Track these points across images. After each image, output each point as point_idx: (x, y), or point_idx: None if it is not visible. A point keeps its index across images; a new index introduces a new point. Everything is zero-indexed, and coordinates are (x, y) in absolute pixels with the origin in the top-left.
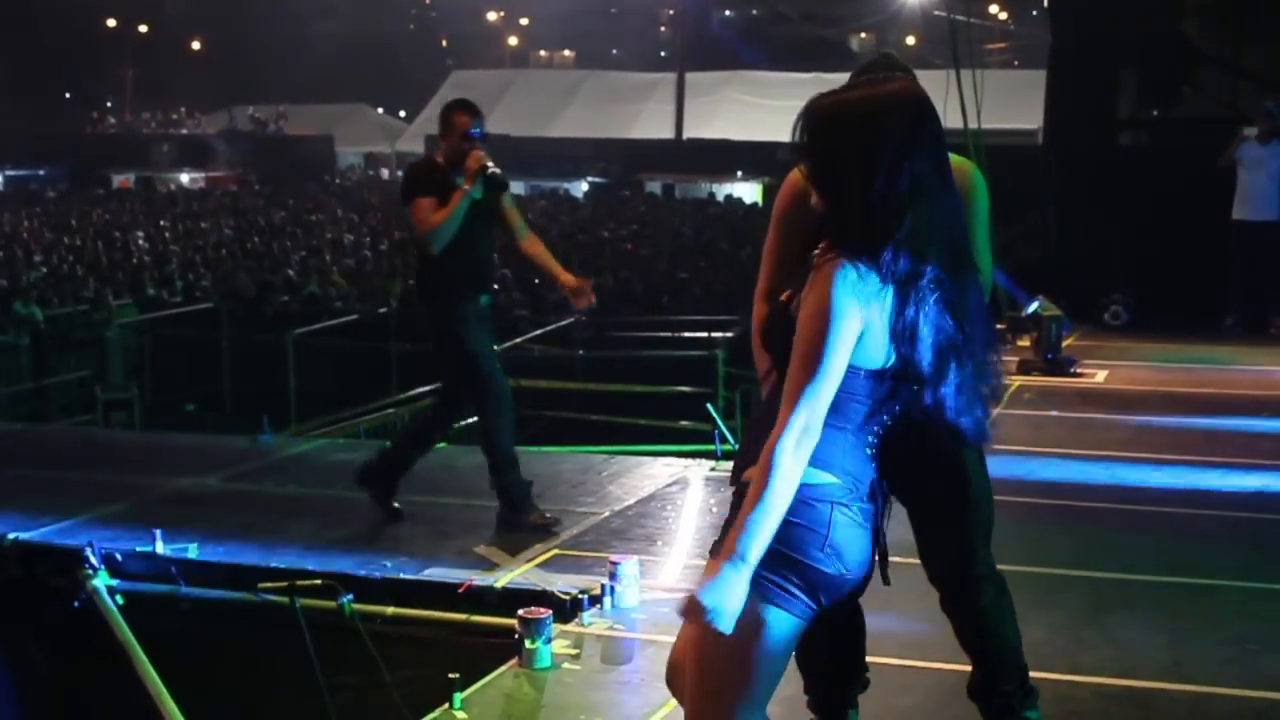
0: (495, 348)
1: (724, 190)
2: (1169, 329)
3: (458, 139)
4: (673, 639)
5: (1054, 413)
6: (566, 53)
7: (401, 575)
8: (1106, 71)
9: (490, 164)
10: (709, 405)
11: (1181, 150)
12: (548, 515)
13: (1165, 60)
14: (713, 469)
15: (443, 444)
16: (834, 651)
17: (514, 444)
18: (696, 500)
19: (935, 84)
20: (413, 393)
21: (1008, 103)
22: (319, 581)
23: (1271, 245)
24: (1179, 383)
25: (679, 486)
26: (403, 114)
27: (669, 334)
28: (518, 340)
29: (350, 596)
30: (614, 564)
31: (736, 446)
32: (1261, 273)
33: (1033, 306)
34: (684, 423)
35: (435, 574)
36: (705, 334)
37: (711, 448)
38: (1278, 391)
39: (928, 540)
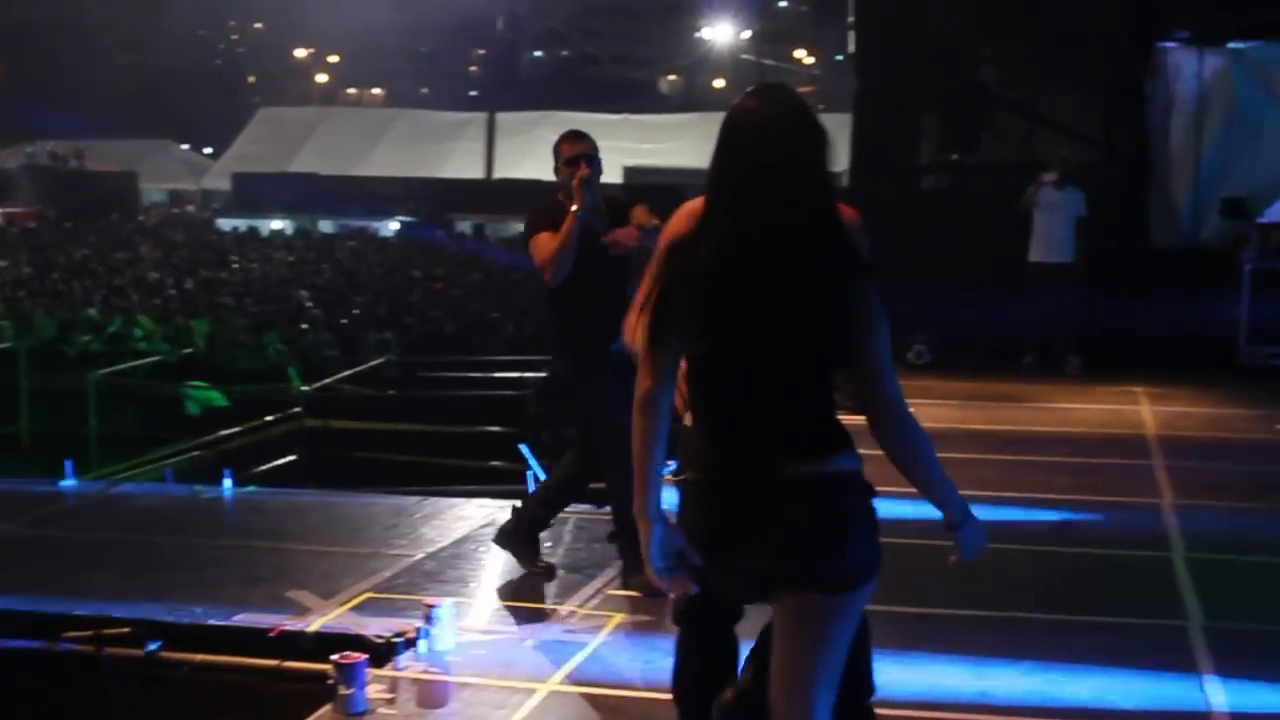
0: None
1: None
2: (970, 368)
3: (563, 167)
4: (488, 681)
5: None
6: (376, 91)
7: (211, 621)
8: (909, 116)
9: (588, 175)
10: (522, 445)
11: (981, 194)
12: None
13: (966, 107)
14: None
15: (251, 487)
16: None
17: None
18: None
19: None
20: (220, 434)
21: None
22: (126, 629)
23: (1066, 286)
24: (979, 420)
25: (493, 528)
26: (208, 150)
27: (480, 374)
28: (327, 381)
29: (158, 644)
30: (429, 607)
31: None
32: (1056, 313)
33: None
34: (495, 463)
35: (245, 619)
36: (516, 374)
37: (524, 488)
38: (1074, 428)
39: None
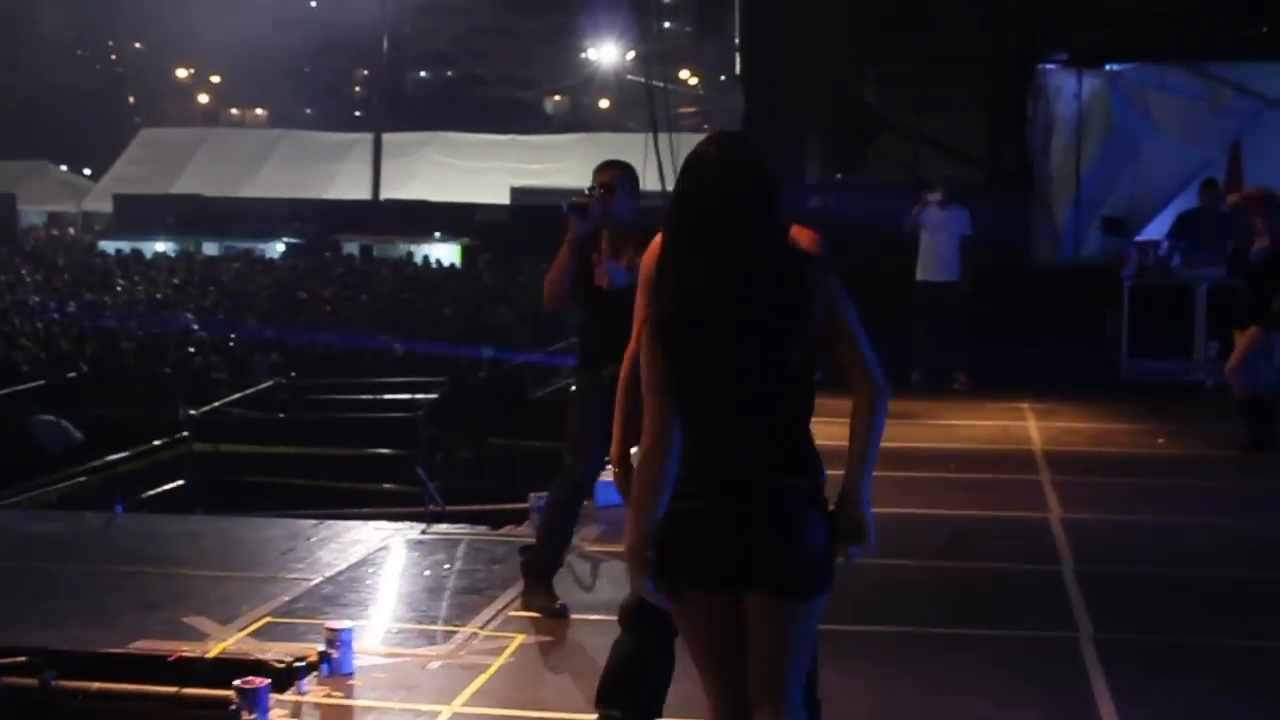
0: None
1: (422, 251)
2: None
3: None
4: (391, 705)
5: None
6: (259, 111)
7: (107, 649)
8: (795, 136)
9: (580, 202)
10: (418, 469)
11: (867, 213)
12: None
13: (851, 126)
14: (424, 531)
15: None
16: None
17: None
18: (408, 564)
19: (631, 147)
20: (109, 459)
21: None
22: (21, 659)
23: (952, 304)
24: None
25: (389, 551)
26: (88, 171)
27: (370, 396)
28: (215, 404)
29: (53, 673)
30: (330, 630)
31: (441, 507)
32: (943, 331)
33: None
34: (388, 486)
35: (143, 646)
36: (407, 395)
37: (420, 510)
38: (961, 444)
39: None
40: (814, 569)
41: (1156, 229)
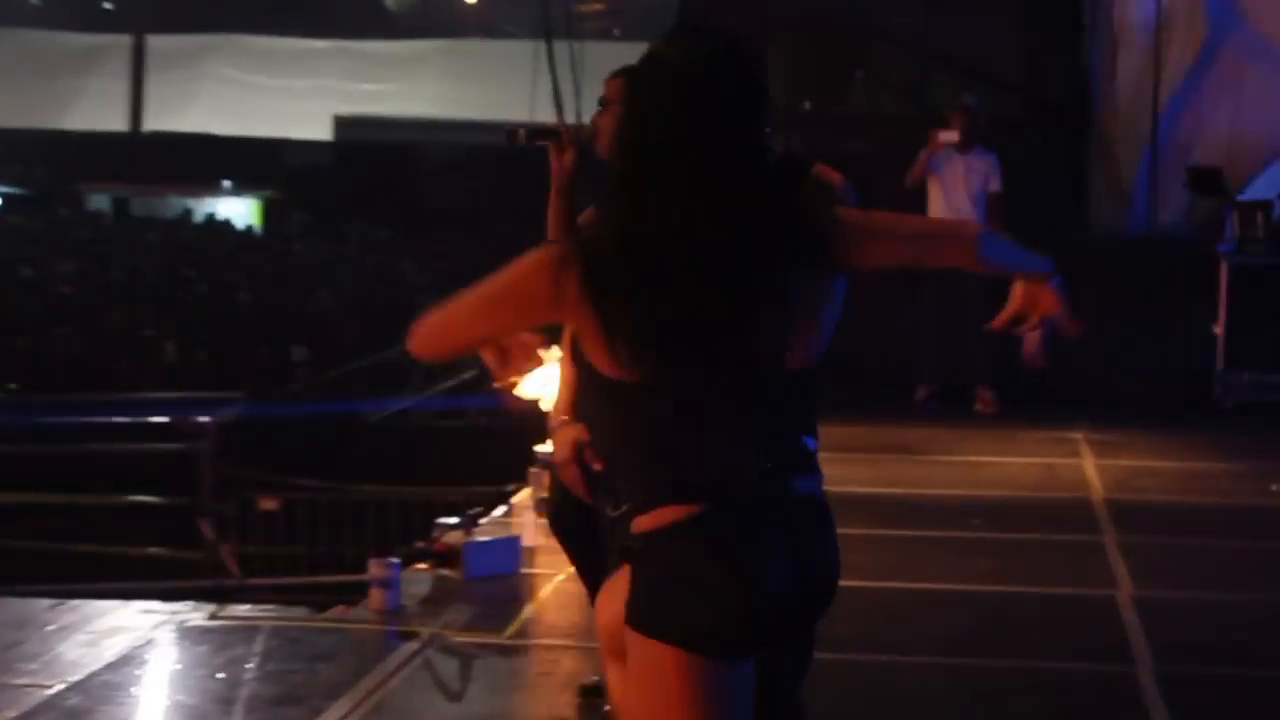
0: None
1: (205, 208)
2: (848, 407)
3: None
4: None
5: None
6: None
7: None
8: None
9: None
10: (202, 523)
11: (854, 159)
12: None
13: (830, 37)
14: (213, 616)
15: None
16: None
17: None
18: (189, 662)
19: (511, 60)
20: None
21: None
22: None
23: (973, 292)
24: (863, 481)
25: (161, 643)
26: None
27: (128, 419)
28: None
29: None
30: None
31: (238, 578)
32: (962, 330)
33: None
34: (156, 550)
35: None
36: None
37: (207, 584)
38: (988, 491)
39: None
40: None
41: (1267, 186)
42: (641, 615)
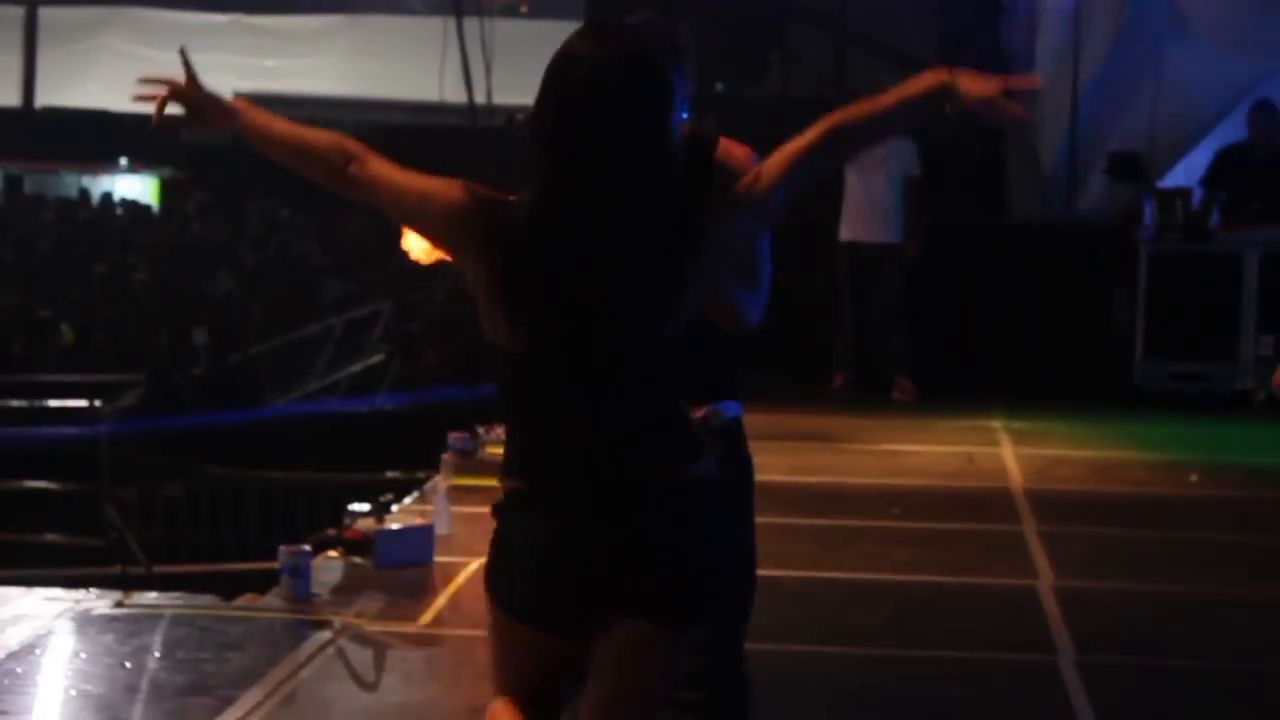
0: None
1: (101, 186)
2: (760, 393)
3: None
4: None
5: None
6: None
7: None
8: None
9: None
10: (109, 509)
11: (764, 142)
12: None
13: (742, 15)
14: (118, 604)
15: None
16: None
17: None
18: (94, 651)
19: (419, 38)
20: None
21: (522, 67)
22: None
23: (891, 278)
24: (778, 469)
25: (64, 632)
26: None
27: (25, 402)
28: None
29: None
30: None
31: (144, 565)
32: (878, 316)
33: None
34: (54, 536)
35: None
36: (85, 402)
37: (112, 570)
38: (908, 480)
39: None
40: (694, 586)
41: (1186, 173)
42: (485, 572)
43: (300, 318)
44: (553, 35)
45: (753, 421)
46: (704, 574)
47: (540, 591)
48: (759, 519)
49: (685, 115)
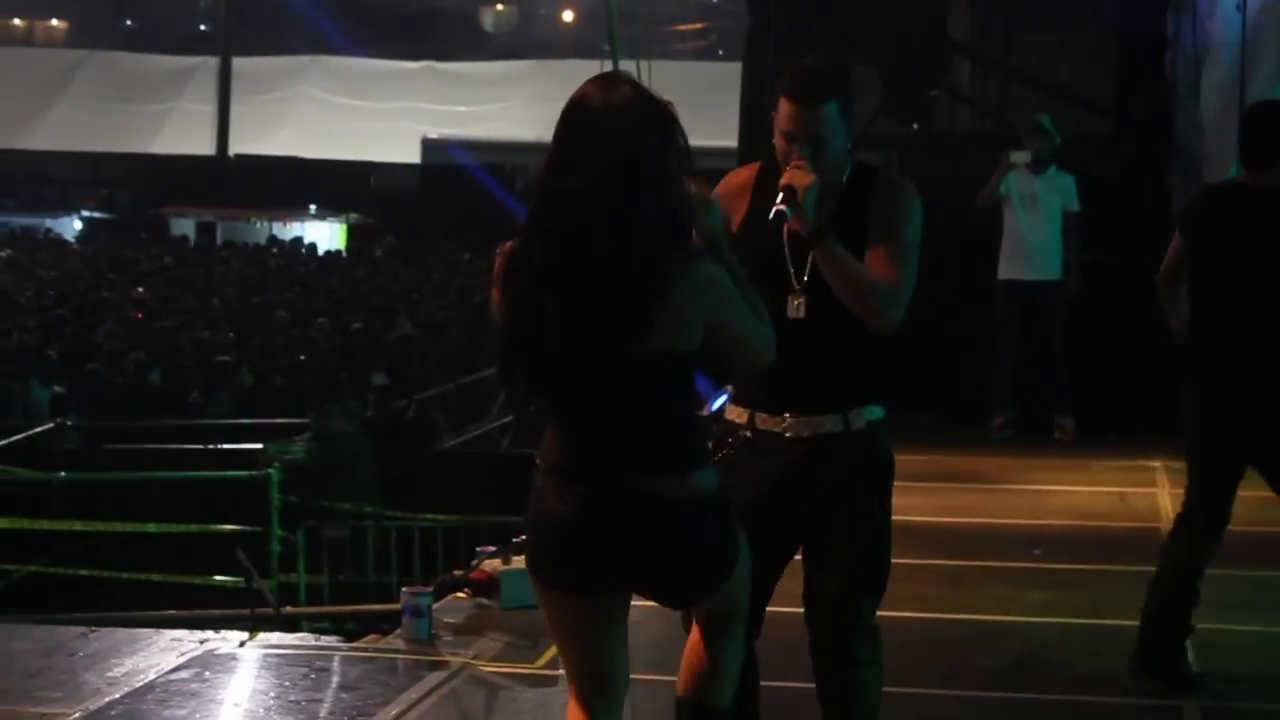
0: None
1: (290, 232)
2: (917, 435)
3: (778, 137)
4: None
5: None
6: (55, 23)
7: None
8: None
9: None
10: (237, 551)
11: (931, 181)
12: None
13: (914, 54)
14: (243, 644)
15: None
16: None
17: None
18: (215, 690)
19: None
20: None
21: (708, 107)
22: None
23: (1051, 316)
24: (924, 510)
25: (194, 671)
26: None
27: (199, 445)
28: None
29: None
30: None
31: (274, 607)
32: (1041, 354)
33: (719, 402)
34: (219, 578)
35: None
36: (255, 445)
37: (244, 611)
38: (1054, 521)
39: (809, 575)
40: (696, 570)
41: None
42: (526, 552)
43: (476, 361)
44: (709, 78)
45: (904, 464)
46: (691, 576)
47: (563, 561)
48: (900, 561)
49: (849, 146)
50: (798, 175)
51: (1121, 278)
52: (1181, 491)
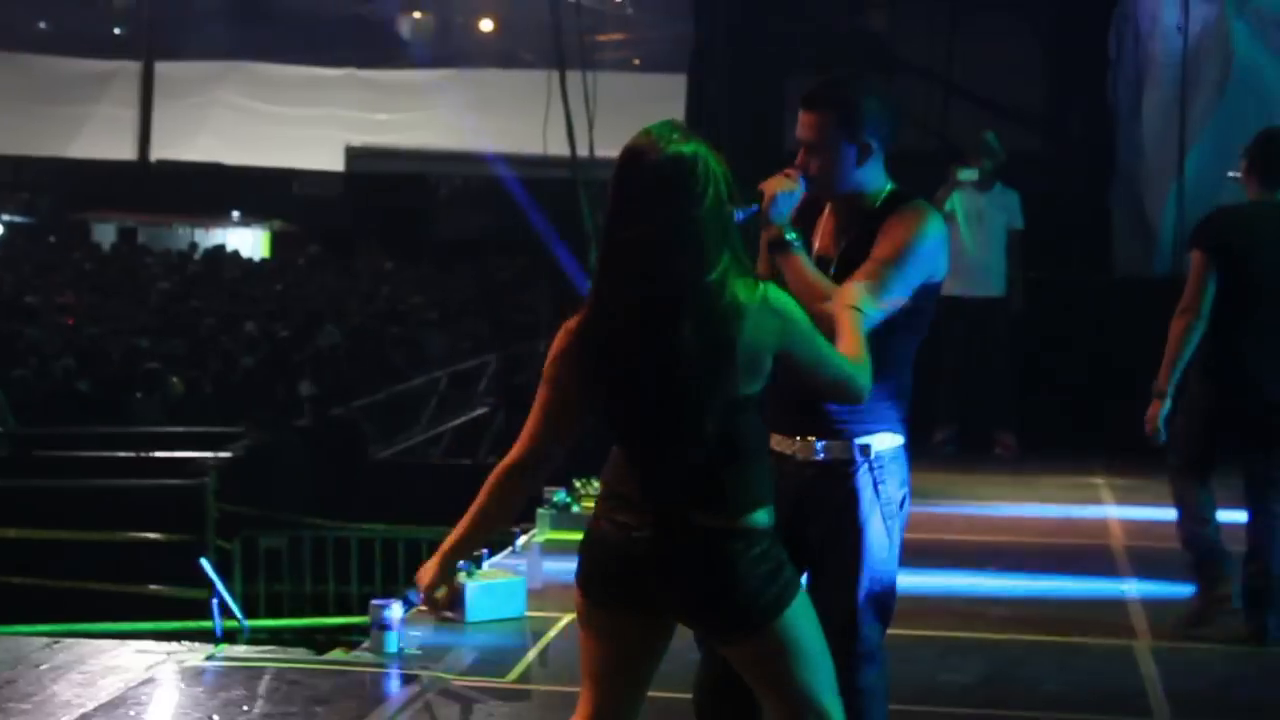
0: None
1: (212, 238)
2: None
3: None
4: None
5: None
6: None
7: None
8: (768, 82)
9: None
10: (203, 559)
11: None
12: None
13: (851, 67)
14: (211, 656)
15: None
16: None
17: None
18: (186, 704)
19: (529, 89)
20: None
21: (627, 118)
22: None
23: (995, 332)
24: None
25: (157, 684)
26: None
27: (132, 453)
28: None
29: None
30: None
31: (244, 623)
32: (984, 370)
33: None
34: (155, 587)
35: None
36: (189, 453)
37: (208, 625)
38: (1006, 537)
39: (814, 600)
40: (748, 603)
41: None
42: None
43: (407, 370)
44: (657, 89)
45: None
46: (730, 614)
47: (614, 578)
48: None
49: (865, 165)
50: (776, 182)
51: (1061, 295)
52: (1128, 508)
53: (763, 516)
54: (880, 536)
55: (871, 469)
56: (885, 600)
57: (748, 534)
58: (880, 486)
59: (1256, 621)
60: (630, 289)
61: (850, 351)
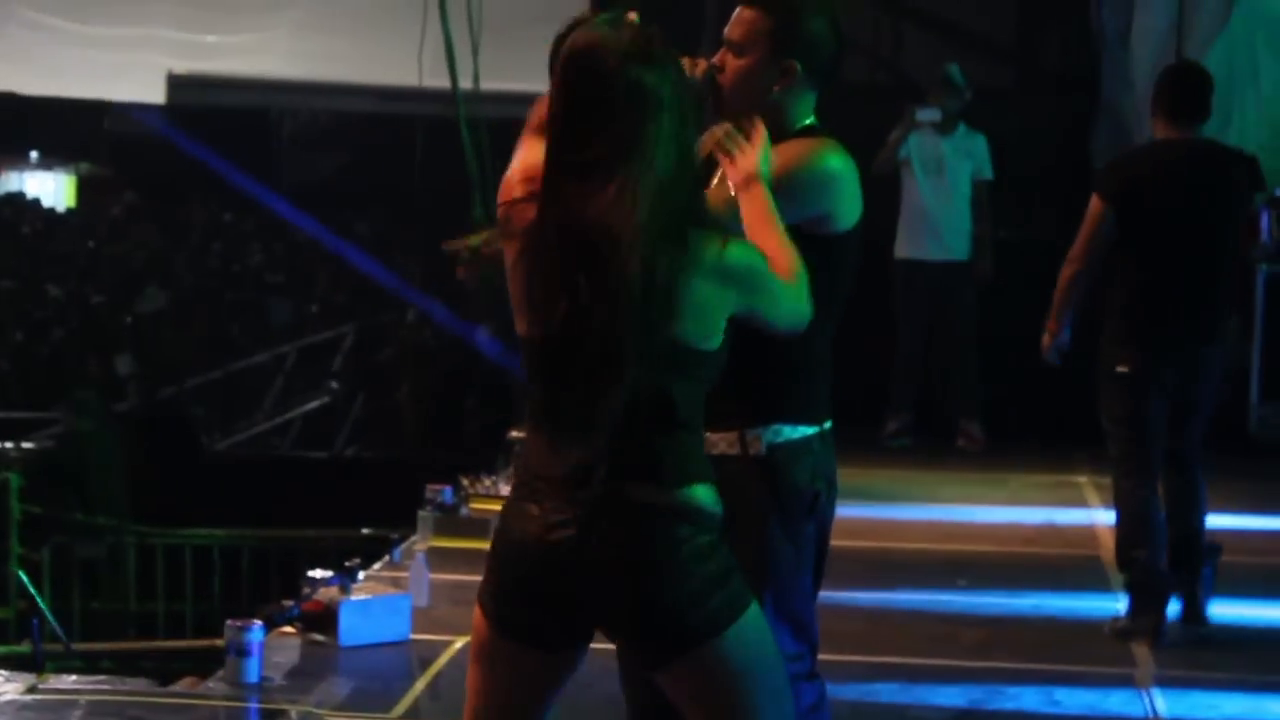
0: None
1: (4, 184)
2: None
3: None
4: None
5: None
6: None
7: None
8: (685, 6)
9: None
10: (19, 573)
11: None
12: None
13: None
14: (33, 688)
15: None
16: None
17: None
18: None
19: (399, 12)
20: None
21: (519, 51)
22: None
23: (960, 305)
24: None
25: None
26: None
27: None
28: None
29: None
30: None
31: (71, 646)
32: (946, 348)
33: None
34: None
35: None
36: None
37: (23, 650)
38: (976, 546)
39: None
40: (689, 607)
41: None
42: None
43: (247, 344)
44: (550, 9)
45: None
46: (667, 617)
47: (524, 584)
48: None
49: (781, 90)
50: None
51: (1036, 259)
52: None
53: (706, 495)
54: (781, 543)
55: (764, 466)
56: (799, 616)
57: (690, 515)
58: (773, 487)
59: (1188, 588)
60: (574, 220)
61: (785, 272)
